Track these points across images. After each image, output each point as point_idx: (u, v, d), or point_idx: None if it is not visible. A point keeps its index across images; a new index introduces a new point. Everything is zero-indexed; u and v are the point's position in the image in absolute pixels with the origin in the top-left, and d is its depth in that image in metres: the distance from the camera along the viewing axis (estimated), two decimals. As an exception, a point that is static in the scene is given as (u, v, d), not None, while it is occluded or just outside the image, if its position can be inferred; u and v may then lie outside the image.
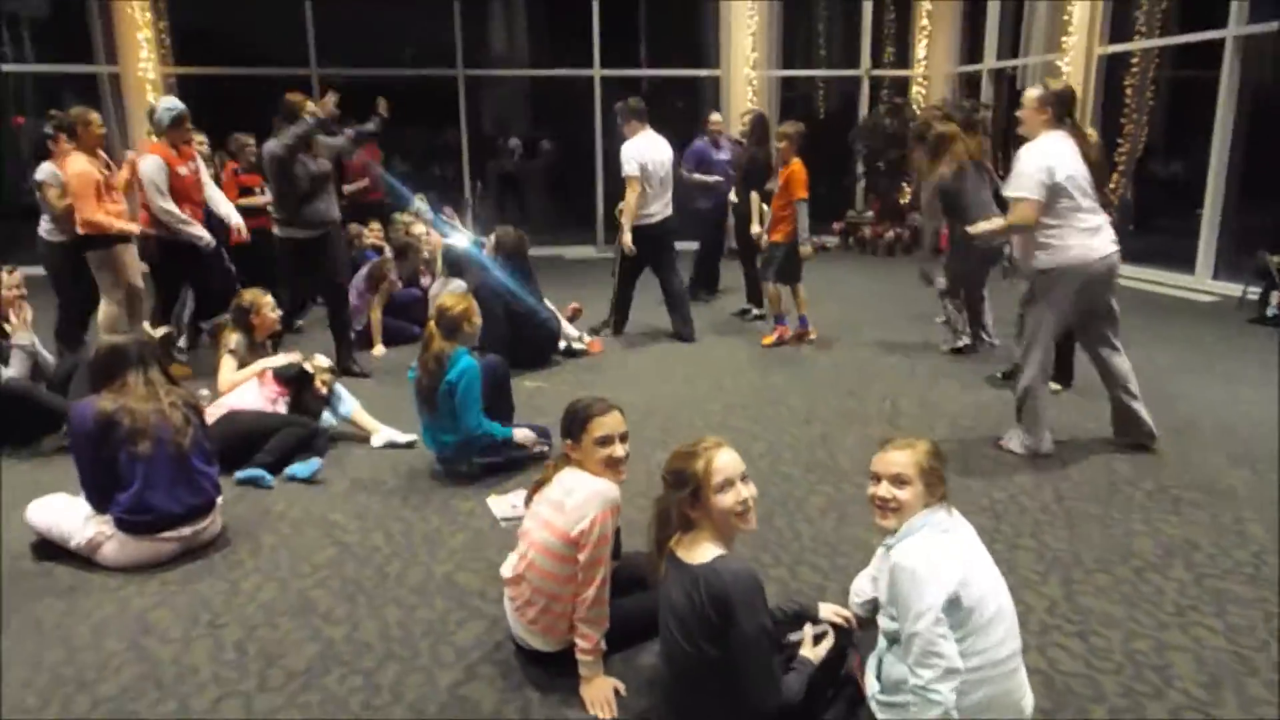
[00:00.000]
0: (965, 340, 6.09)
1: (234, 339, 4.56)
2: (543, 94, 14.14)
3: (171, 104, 5.53)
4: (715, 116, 8.28)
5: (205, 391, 4.56)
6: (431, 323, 3.96)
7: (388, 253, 7.39)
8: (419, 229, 7.61)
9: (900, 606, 2.08)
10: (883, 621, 2.22)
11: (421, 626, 2.84)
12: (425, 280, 7.37)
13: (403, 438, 4.47)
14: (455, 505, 3.77)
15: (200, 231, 5.46)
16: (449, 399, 3.88)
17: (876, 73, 11.84)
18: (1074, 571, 3.12)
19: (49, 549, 3.32)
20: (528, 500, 2.57)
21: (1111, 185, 9.99)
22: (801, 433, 4.60)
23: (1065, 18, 9.20)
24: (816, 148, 9.65)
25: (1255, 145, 8.05)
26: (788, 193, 6.19)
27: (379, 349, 6.42)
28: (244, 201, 6.59)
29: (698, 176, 7.69)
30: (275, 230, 5.62)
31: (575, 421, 2.46)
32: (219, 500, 3.43)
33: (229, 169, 6.99)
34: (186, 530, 3.28)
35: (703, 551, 2.10)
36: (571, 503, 2.36)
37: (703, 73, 11.68)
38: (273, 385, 4.44)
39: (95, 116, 5.47)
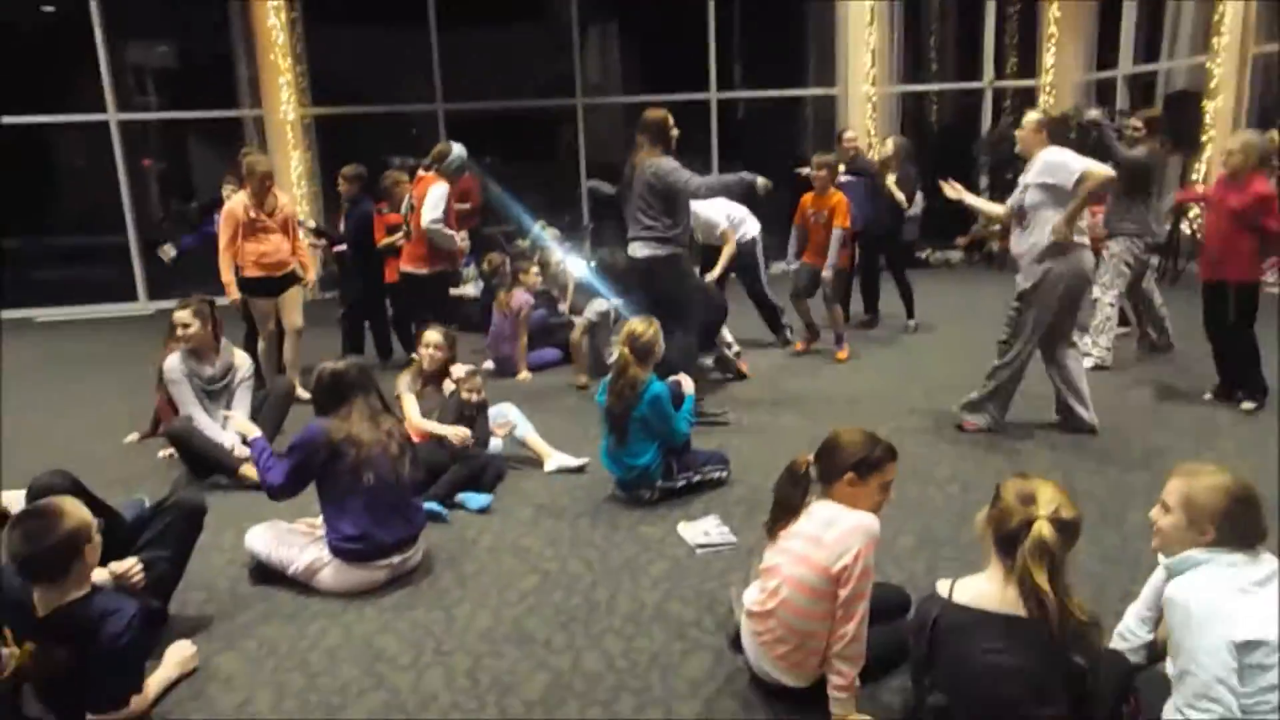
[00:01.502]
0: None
1: (405, 379, 4.55)
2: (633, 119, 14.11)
3: (462, 151, 5.98)
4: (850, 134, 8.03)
5: None
6: (625, 349, 3.96)
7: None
8: (553, 257, 7.72)
9: (1173, 644, 1.97)
10: (1168, 665, 2.08)
11: (645, 657, 2.80)
12: (561, 305, 7.49)
13: (574, 462, 4.48)
14: (645, 532, 3.74)
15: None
16: (640, 424, 3.89)
17: (1000, 84, 11.52)
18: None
19: (264, 573, 3.42)
20: (771, 531, 2.49)
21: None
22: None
23: (1216, 17, 8.75)
24: (934, 161, 9.39)
25: None
26: (833, 221, 6.32)
27: (525, 375, 6.52)
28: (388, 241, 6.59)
29: None
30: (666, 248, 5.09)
31: (867, 463, 2.40)
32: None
33: (379, 208, 6.80)
34: (397, 558, 3.34)
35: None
36: (832, 536, 2.28)
37: (820, 91, 11.57)
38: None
39: (260, 159, 5.79)
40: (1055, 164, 4.36)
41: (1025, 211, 4.47)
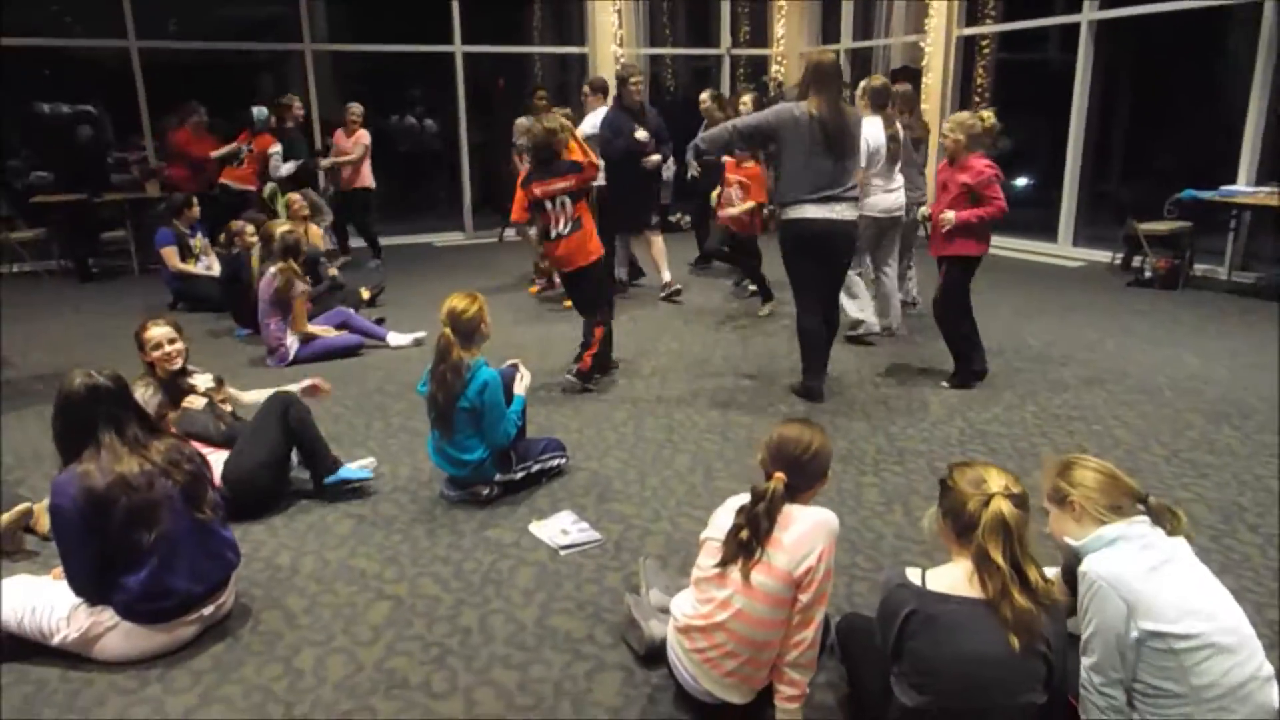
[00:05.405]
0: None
1: (148, 392, 3.49)
2: (360, 71, 12.76)
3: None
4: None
5: None
6: (446, 329, 3.46)
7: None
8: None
9: (1084, 614, 2.03)
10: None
11: (547, 687, 2.47)
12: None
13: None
14: (494, 536, 3.36)
15: None
16: (469, 415, 3.45)
17: (736, 51, 11.94)
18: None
19: (16, 648, 2.62)
20: (730, 560, 2.20)
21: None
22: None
23: (925, 1, 9.62)
24: (672, 126, 9.58)
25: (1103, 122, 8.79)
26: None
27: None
28: None
29: None
30: None
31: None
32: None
33: None
34: (208, 609, 2.69)
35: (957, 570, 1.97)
36: (791, 538, 2.09)
37: (569, 50, 11.30)
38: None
39: None
40: None
41: None
